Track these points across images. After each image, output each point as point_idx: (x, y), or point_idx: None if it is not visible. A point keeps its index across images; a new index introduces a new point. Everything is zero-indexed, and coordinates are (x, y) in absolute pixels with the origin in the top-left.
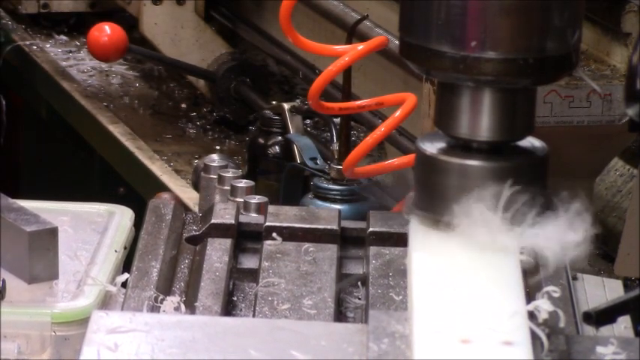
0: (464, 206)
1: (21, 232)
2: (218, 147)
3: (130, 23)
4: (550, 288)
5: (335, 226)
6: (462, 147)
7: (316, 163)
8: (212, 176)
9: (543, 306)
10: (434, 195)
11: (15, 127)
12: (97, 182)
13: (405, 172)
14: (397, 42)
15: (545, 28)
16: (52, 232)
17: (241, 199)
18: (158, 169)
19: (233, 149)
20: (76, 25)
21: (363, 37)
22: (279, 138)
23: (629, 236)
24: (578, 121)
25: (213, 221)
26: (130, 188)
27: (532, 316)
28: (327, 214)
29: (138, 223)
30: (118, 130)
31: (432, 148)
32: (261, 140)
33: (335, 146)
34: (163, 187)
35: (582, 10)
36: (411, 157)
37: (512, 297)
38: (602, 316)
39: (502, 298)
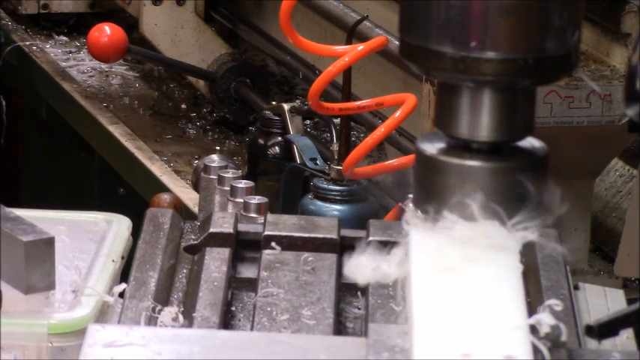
0: (464, 208)
1: (17, 242)
2: (218, 147)
3: (130, 23)
4: (552, 301)
5: (334, 235)
6: (462, 147)
7: (316, 164)
8: (212, 177)
9: (545, 320)
10: (434, 195)
11: (15, 128)
12: (97, 183)
13: (404, 173)
14: (397, 42)
15: (545, 29)
16: (49, 242)
17: (241, 200)
18: (158, 169)
19: (233, 150)
20: (75, 26)
21: (363, 38)
22: (279, 138)
23: (629, 236)
24: (577, 122)
25: (211, 230)
26: (130, 189)
27: (534, 329)
28: (327, 222)
29: (137, 226)
30: (117, 131)
31: (431, 148)
32: (261, 141)
33: (335, 147)
34: (163, 188)
35: (582, 10)
36: (410, 157)
37: (514, 310)
38: (605, 329)
39: (504, 312)
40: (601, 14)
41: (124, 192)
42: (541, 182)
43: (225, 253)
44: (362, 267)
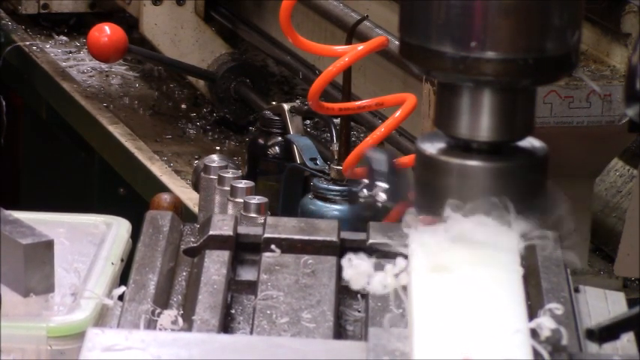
0: (464, 209)
1: (16, 244)
2: (218, 147)
3: (130, 23)
4: (553, 305)
5: (334, 238)
6: (462, 147)
7: (316, 164)
8: (212, 177)
9: (546, 323)
10: (434, 195)
11: (15, 127)
12: (97, 183)
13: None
14: (397, 42)
15: (545, 29)
16: (48, 245)
17: (241, 200)
18: (158, 169)
19: (233, 150)
20: (75, 26)
21: (363, 38)
22: (279, 138)
23: (629, 236)
24: (577, 122)
25: (211, 233)
26: (130, 189)
27: (534, 333)
28: (327, 225)
29: (137, 226)
30: (118, 131)
31: (431, 148)
32: (261, 141)
33: (335, 147)
34: (163, 188)
35: (582, 10)
36: (411, 157)
37: (515, 313)
38: (605, 333)
39: (504, 315)
40: (601, 14)
41: (124, 192)
42: (541, 182)
43: (224, 255)
44: (360, 274)
